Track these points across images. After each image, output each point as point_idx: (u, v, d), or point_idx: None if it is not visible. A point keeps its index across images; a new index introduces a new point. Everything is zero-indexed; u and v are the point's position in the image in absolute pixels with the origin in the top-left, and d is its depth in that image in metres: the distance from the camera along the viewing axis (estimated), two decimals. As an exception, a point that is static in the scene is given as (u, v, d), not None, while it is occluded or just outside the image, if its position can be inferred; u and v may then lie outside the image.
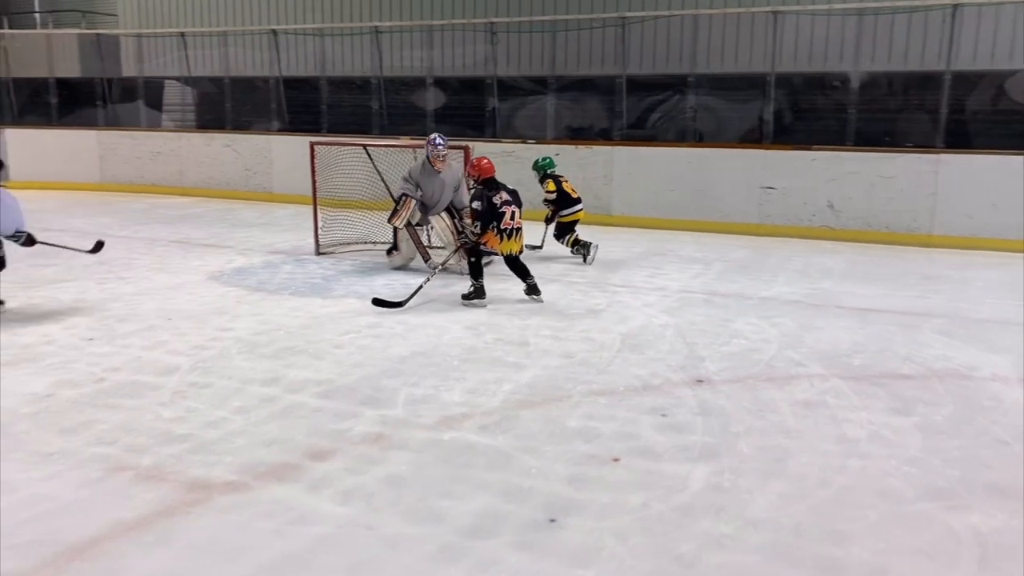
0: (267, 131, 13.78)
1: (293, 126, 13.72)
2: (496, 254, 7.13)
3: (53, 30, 16.81)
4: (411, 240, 8.11)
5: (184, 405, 4.41)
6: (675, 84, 11.53)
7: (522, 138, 11.94)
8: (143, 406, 4.38)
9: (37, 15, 18.30)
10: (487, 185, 6.80)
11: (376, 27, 12.93)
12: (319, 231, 8.86)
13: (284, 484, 3.53)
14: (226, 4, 15.24)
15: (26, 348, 5.33)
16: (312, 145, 8.84)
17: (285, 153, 13.12)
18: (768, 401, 4.59)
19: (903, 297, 7.18)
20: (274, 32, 13.64)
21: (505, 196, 6.79)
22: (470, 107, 12.59)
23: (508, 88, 12.37)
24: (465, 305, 6.64)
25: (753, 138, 11.11)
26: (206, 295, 6.92)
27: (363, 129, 12.91)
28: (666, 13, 11.86)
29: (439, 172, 7.72)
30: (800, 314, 6.56)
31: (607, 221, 11.32)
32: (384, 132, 12.87)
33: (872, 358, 5.40)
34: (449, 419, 4.28)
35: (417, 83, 12.92)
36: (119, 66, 15.97)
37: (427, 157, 7.70)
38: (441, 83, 12.82)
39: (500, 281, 7.34)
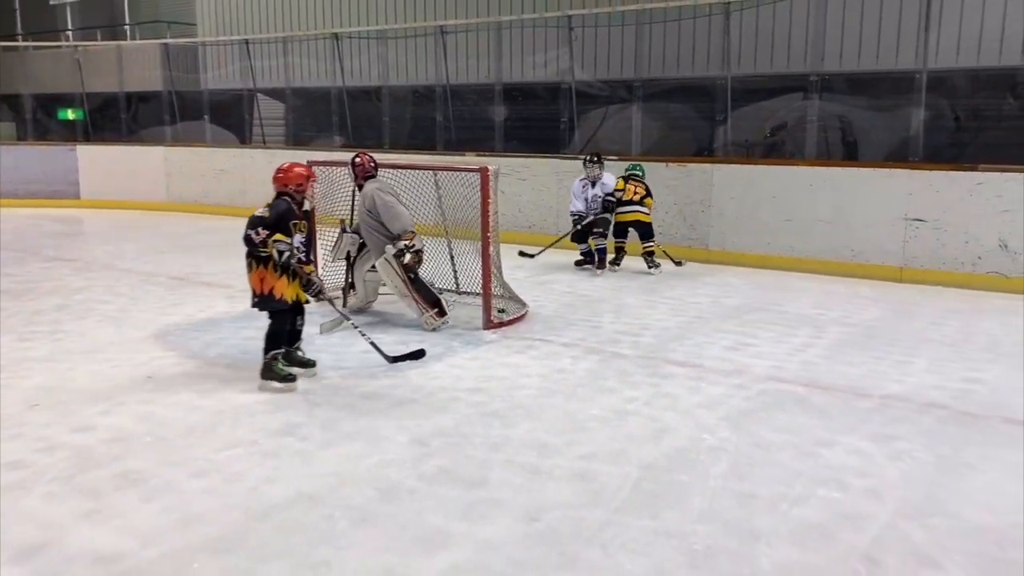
0: (327, 147, 12.36)
1: (355, 141, 12.24)
2: None
3: (123, 41, 16.25)
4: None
5: None
6: (794, 86, 9.10)
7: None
8: None
9: (127, 27, 17.95)
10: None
11: (442, 26, 11.21)
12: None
13: None
14: (290, 9, 14.01)
15: None
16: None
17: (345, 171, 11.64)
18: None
19: (1120, 404, 4.63)
20: (336, 36, 12.22)
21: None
22: (543, 118, 10.63)
23: (587, 96, 10.32)
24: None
25: (898, 155, 8.54)
26: (120, 366, 5.31)
27: (426, 144, 11.24)
28: (785, -4, 9.43)
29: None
30: (943, 435, 4.19)
31: (702, 257, 9.07)
32: (449, 148, 11.14)
33: (1071, 554, 3.04)
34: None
35: (485, 91, 11.09)
36: (195, 79, 15.14)
37: None
38: (512, 91, 10.93)
39: (519, 339, 5.37)
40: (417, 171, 7.18)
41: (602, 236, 8.57)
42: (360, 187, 6.46)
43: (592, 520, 3.27)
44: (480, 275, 6.79)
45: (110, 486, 3.55)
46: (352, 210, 6.95)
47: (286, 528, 3.21)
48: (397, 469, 3.75)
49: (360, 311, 6.80)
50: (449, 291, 7.25)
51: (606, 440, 4.10)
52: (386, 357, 5.26)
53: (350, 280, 6.84)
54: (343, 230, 6.83)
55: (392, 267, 6.10)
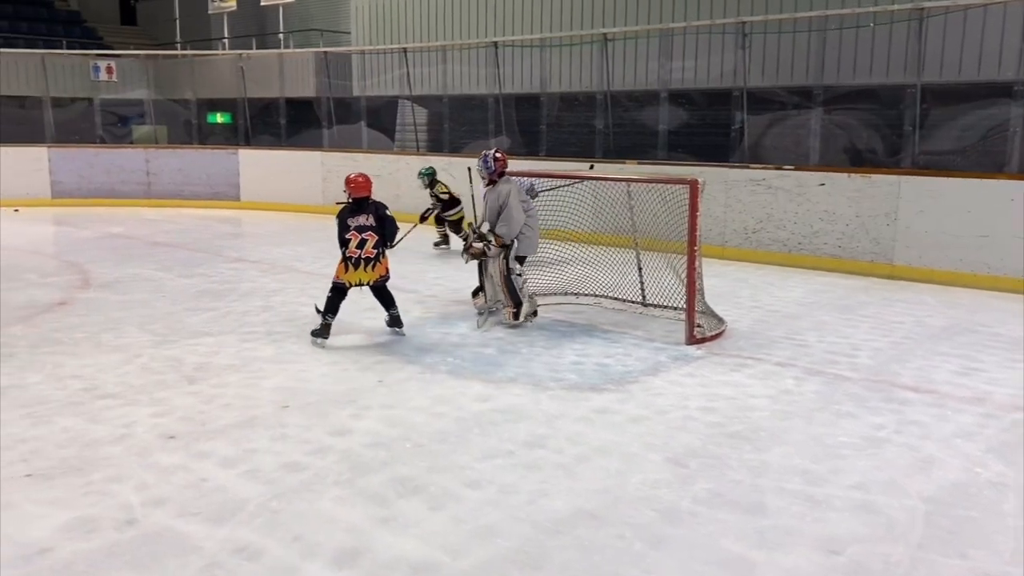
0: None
1: (511, 148, 12.33)
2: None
3: (285, 50, 16.89)
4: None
5: (206, 594, 2.89)
6: (997, 93, 8.61)
7: (776, 164, 9.61)
8: (152, 587, 2.92)
9: (281, 36, 18.66)
10: (354, 205, 6.05)
11: (605, 34, 11.17)
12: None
13: None
14: (448, 18, 14.25)
15: (89, 446, 4.13)
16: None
17: (500, 178, 11.74)
18: None
19: None
20: (495, 45, 12.36)
21: (363, 221, 6.00)
22: (711, 125, 10.44)
23: (761, 101, 10.07)
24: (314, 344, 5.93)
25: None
26: (347, 369, 5.50)
27: (584, 152, 11.22)
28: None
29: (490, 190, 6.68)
30: None
31: (886, 272, 8.70)
32: (608, 156, 11.08)
33: None
34: None
35: (649, 98, 10.98)
36: (348, 85, 15.61)
37: None
38: (678, 97, 10.78)
39: (726, 355, 5.26)
40: (606, 182, 7.18)
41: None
42: (493, 183, 6.62)
43: (898, 556, 3.14)
44: (671, 289, 6.75)
45: (392, 492, 3.64)
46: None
47: (583, 546, 3.21)
48: (668, 490, 3.71)
49: (489, 312, 6.86)
50: (634, 303, 7.20)
51: (870, 469, 3.95)
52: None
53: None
54: (471, 232, 6.89)
55: (496, 260, 6.55)
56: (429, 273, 9.00)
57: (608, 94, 11.13)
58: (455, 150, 12.97)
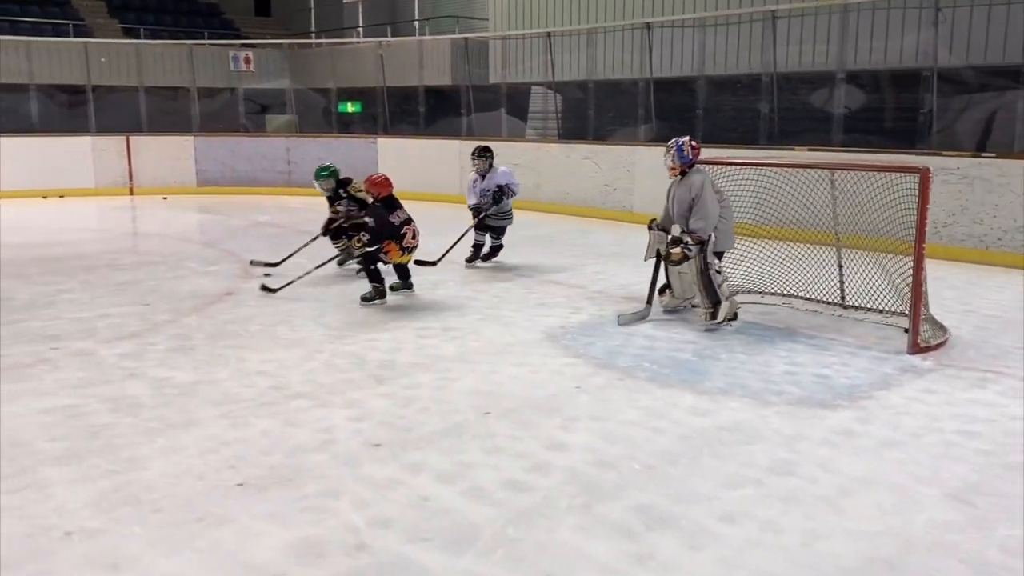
0: (631, 141, 11.95)
1: (661, 135, 11.72)
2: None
3: (424, 37, 16.73)
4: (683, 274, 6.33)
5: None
6: None
7: (972, 151, 8.67)
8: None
9: (416, 23, 18.55)
10: (386, 204, 6.72)
11: (773, 12, 10.39)
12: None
13: None
14: (587, 1, 13.69)
15: (293, 453, 3.86)
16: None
17: (650, 166, 11.14)
18: None
19: None
20: (648, 26, 11.75)
21: (404, 215, 6.74)
22: (896, 109, 9.54)
23: (954, 83, 9.11)
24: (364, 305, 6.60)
25: None
26: (539, 370, 5.10)
27: (746, 138, 10.51)
28: None
29: (677, 183, 6.20)
30: None
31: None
32: (773, 142, 10.34)
33: None
34: None
35: (823, 79, 10.15)
36: (486, 72, 15.31)
37: None
38: (857, 78, 9.91)
39: (961, 368, 4.58)
40: (802, 170, 6.53)
41: (498, 237, 8.46)
42: (683, 174, 6.11)
43: None
44: (877, 290, 6.08)
45: (638, 523, 3.20)
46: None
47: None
48: (963, 535, 3.12)
49: (675, 311, 6.42)
50: (831, 304, 6.54)
51: None
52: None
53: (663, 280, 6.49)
54: (651, 227, 6.39)
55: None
56: (588, 267, 8.55)
57: (774, 76, 10.37)
58: (600, 137, 12.46)
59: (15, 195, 13.97)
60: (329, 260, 7.65)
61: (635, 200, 11.59)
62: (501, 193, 8.24)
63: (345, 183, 8.05)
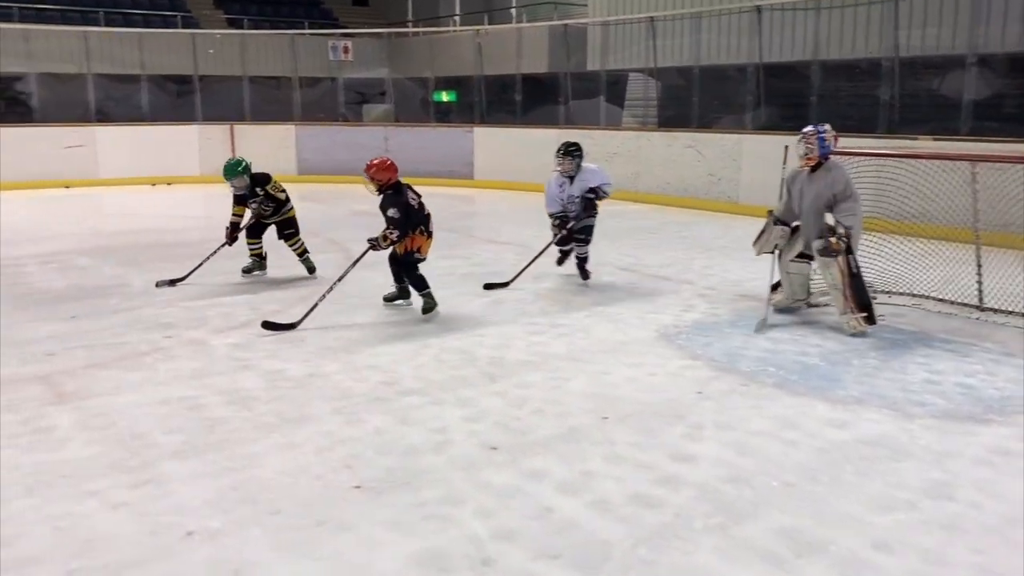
0: (738, 129, 11.49)
1: (770, 122, 11.23)
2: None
3: (522, 24, 16.52)
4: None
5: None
6: None
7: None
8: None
9: (513, 10, 18.35)
10: (396, 190, 6.07)
11: (896, -10, 9.78)
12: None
13: None
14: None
15: (409, 454, 3.74)
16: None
17: (757, 155, 10.68)
18: None
19: None
20: (758, 9, 11.24)
21: (417, 195, 6.17)
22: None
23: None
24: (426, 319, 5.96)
25: None
26: (655, 372, 4.86)
27: (864, 126, 9.94)
28: None
29: (807, 175, 5.78)
30: None
31: None
32: (892, 130, 9.74)
33: None
34: None
35: (951, 64, 9.49)
36: (584, 59, 15.01)
37: None
38: (989, 62, 9.22)
39: None
40: (939, 161, 6.07)
41: (585, 242, 7.14)
42: (819, 165, 5.71)
43: None
44: (1019, 292, 5.60)
45: (784, 548, 2.94)
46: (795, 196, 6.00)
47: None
48: None
49: (788, 310, 6.05)
50: (968, 306, 6.07)
51: None
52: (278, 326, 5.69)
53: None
54: (772, 221, 6.00)
55: (836, 258, 5.54)
56: (695, 261, 8.22)
57: (897, 60, 9.75)
58: (704, 125, 12.03)
59: (125, 182, 14.49)
60: (218, 248, 7.16)
61: (740, 191, 11.15)
62: (595, 197, 7.01)
63: (263, 180, 7.27)
